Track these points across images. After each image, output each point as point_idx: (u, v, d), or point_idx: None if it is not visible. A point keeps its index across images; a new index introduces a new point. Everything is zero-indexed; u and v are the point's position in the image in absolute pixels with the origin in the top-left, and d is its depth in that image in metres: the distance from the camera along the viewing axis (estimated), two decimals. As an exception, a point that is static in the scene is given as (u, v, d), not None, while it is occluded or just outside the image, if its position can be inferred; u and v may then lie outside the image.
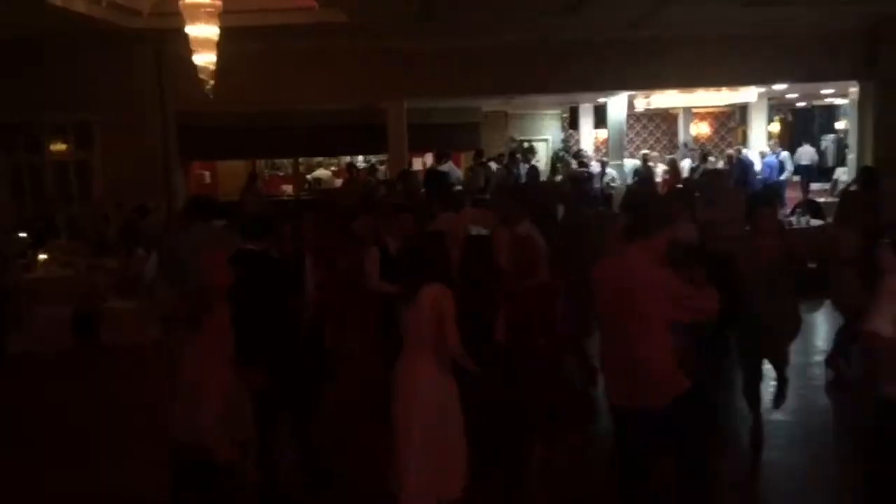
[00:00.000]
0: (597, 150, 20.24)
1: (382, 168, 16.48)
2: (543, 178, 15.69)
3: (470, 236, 5.95)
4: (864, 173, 10.03)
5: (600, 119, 18.15)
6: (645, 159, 16.97)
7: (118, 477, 5.55)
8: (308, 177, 18.61)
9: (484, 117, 18.01)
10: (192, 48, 8.64)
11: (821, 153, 21.81)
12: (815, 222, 11.25)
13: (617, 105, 16.70)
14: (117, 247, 10.74)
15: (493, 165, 15.52)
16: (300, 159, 18.55)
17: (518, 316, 4.90)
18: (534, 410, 4.79)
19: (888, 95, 12.21)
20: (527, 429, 4.86)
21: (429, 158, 17.38)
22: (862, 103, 13.38)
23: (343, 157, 18.24)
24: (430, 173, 11.61)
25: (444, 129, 15.79)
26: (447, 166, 14.06)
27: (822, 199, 13.65)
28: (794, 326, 6.06)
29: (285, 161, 19.13)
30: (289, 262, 5.38)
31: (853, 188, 9.89)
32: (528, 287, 4.95)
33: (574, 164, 16.90)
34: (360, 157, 18.64)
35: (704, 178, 10.08)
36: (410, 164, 15.39)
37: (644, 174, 15.35)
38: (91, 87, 12.44)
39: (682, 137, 21.28)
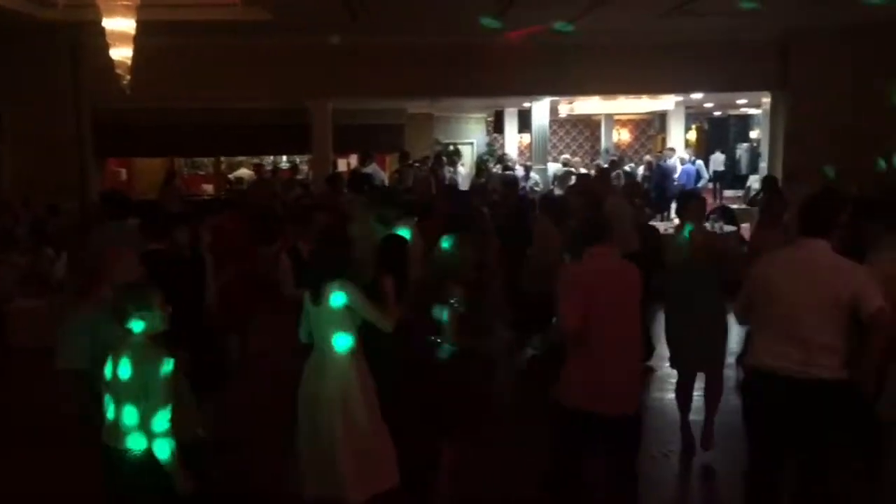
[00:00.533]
0: (521, 154, 20.49)
1: (305, 168, 16.33)
2: (468, 181, 15.76)
3: (386, 235, 5.95)
4: (766, 182, 10.88)
5: (524, 124, 18.37)
6: (565, 164, 17.26)
7: (40, 483, 5.38)
8: (230, 176, 18.27)
9: (409, 119, 17.99)
10: (109, 42, 8.39)
11: (735, 161, 22.65)
12: (729, 228, 11.62)
13: (540, 110, 16.92)
14: (25, 244, 10.35)
15: (419, 167, 15.53)
16: (222, 158, 18.18)
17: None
18: (434, 408, 4.76)
19: (798, 106, 12.69)
20: (433, 426, 4.83)
21: (353, 159, 17.28)
22: (774, 113, 13.87)
23: (266, 157, 17.99)
24: (355, 175, 11.56)
25: (368, 130, 15.69)
26: (371, 168, 14.00)
27: (735, 206, 14.10)
28: (725, 329, 6.00)
29: (206, 160, 18.74)
30: (189, 263, 5.31)
31: (760, 196, 10.40)
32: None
33: (497, 168, 17.06)
34: (284, 157, 18.42)
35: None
36: (335, 165, 15.28)
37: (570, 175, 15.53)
38: (1, 78, 11.97)
39: (604, 143, 21.72)
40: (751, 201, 12.89)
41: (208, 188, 17.68)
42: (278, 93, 13.13)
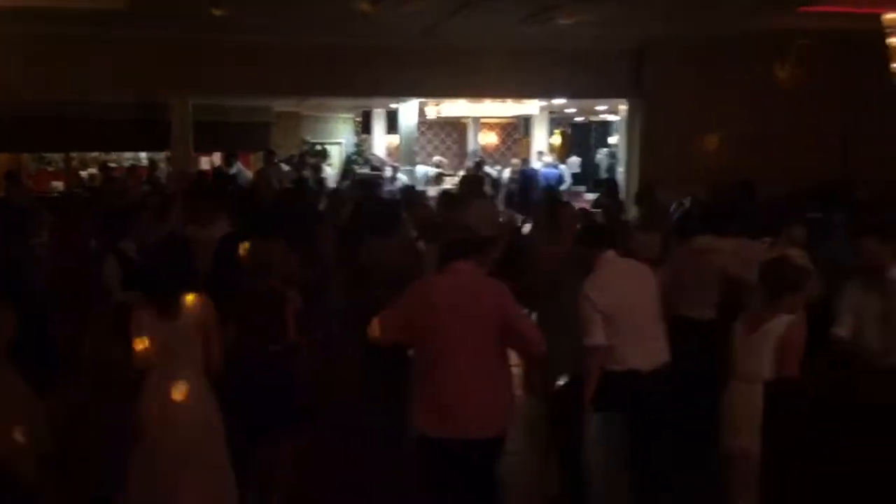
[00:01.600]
0: (389, 155, 20.53)
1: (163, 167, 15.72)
2: (333, 182, 15.63)
3: (222, 236, 5.80)
4: (606, 184, 11.82)
5: (392, 125, 18.42)
6: (437, 165, 17.49)
7: None
8: (82, 173, 17.34)
9: (276, 118, 17.68)
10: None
11: (595, 165, 23.54)
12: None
13: (408, 111, 17.00)
14: None
15: (285, 167, 15.27)
16: (73, 154, 17.24)
17: (250, 319, 4.74)
18: (261, 417, 4.66)
19: (651, 113, 13.29)
20: (253, 434, 4.71)
21: (217, 158, 16.82)
22: (630, 120, 14.47)
23: (123, 153, 17.22)
24: (218, 176, 11.25)
25: (233, 128, 15.28)
26: (236, 168, 13.67)
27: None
28: None
29: (56, 155, 17.72)
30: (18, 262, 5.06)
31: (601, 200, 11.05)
32: (260, 290, 4.82)
33: (364, 168, 17.07)
34: (143, 154, 17.67)
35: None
36: (198, 164, 14.79)
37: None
38: None
39: (471, 146, 22.07)
40: (594, 204, 13.39)
41: (58, 185, 16.70)
42: (135, 86, 12.52)
